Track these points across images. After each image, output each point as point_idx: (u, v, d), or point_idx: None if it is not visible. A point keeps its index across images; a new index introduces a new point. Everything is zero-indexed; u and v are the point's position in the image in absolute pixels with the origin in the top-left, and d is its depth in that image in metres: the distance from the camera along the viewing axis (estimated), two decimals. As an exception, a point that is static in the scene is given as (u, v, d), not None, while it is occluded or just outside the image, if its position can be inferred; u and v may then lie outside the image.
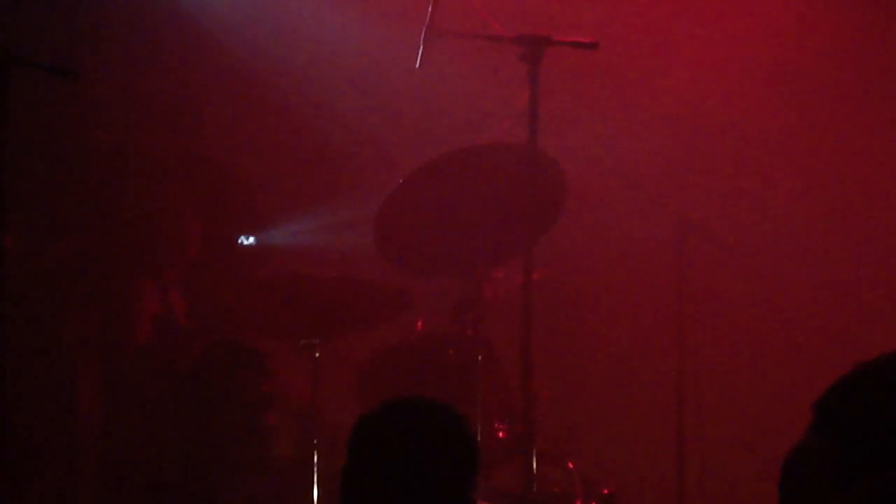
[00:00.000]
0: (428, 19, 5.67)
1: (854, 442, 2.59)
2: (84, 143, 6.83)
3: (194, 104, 7.09)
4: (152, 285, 6.66)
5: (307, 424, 6.07)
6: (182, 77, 7.09)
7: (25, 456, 6.17)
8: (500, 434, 6.13)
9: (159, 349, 6.57)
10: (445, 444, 3.49)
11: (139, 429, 6.35)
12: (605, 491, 6.10)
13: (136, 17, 6.99)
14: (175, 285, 6.71)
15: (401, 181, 6.20)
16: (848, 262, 7.75)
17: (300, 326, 6.19)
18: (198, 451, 5.86)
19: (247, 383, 5.91)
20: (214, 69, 7.23)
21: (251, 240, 7.17)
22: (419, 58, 5.65)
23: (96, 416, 6.51)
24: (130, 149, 6.89)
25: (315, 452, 5.94)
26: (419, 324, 6.56)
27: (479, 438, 5.88)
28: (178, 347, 6.54)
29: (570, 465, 6.27)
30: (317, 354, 6.10)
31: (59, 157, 6.73)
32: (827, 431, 2.62)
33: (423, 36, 5.66)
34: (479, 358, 6.17)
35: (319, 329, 6.21)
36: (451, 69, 7.05)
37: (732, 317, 7.75)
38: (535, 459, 5.65)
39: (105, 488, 6.42)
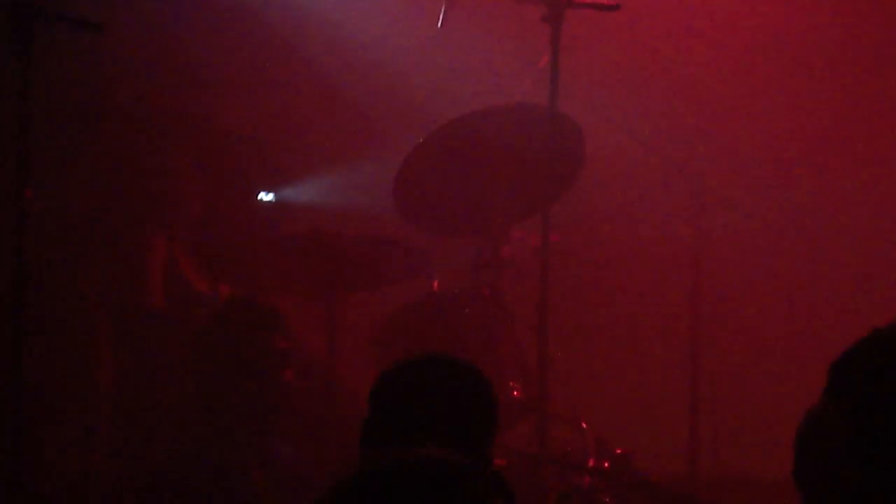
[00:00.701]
0: (451, -20, 5.68)
1: (867, 406, 2.57)
2: (104, 97, 6.85)
3: (216, 62, 7.11)
4: (160, 243, 6.68)
5: (324, 382, 6.11)
6: (205, 35, 7.11)
7: (42, 415, 6.19)
8: (515, 393, 6.17)
9: (169, 306, 6.60)
10: (465, 399, 3.53)
11: (154, 387, 6.38)
12: (619, 451, 6.13)
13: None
14: (183, 243, 6.73)
15: (421, 141, 6.22)
16: (874, 228, 7.75)
17: (318, 284, 6.22)
18: (215, 409, 5.88)
19: (263, 340, 5.92)
20: (237, 27, 7.24)
21: (270, 196, 7.19)
22: (441, 18, 5.67)
23: (112, 374, 6.54)
24: (149, 105, 6.91)
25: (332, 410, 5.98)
26: (436, 283, 6.59)
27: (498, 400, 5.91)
28: (189, 305, 6.57)
29: (584, 425, 6.30)
30: (334, 312, 6.14)
31: (79, 111, 6.75)
32: (841, 395, 2.61)
33: (445, -4, 5.68)
34: (495, 317, 6.20)
35: (337, 287, 6.24)
36: (473, 30, 7.06)
37: (748, 280, 7.77)
38: (548, 419, 5.69)
39: (122, 446, 6.44)
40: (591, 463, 6.01)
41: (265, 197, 7.19)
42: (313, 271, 6.24)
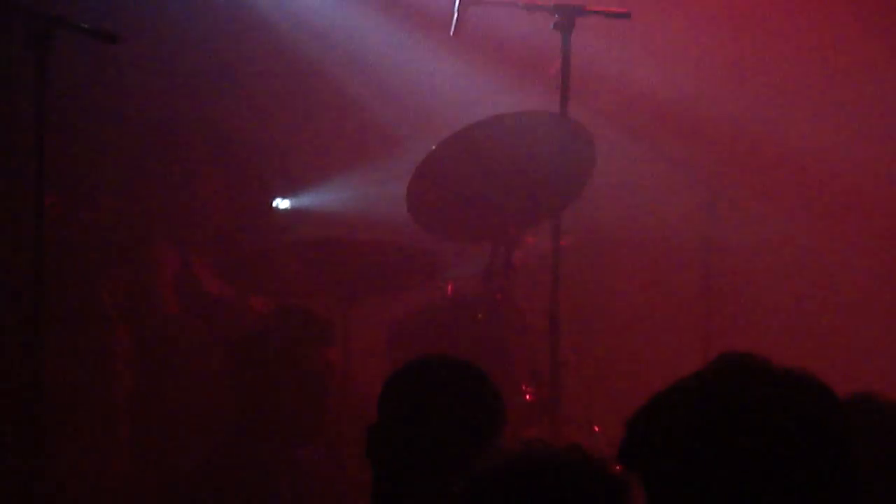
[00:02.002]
0: (463, -13, 5.71)
1: (658, 472, 2.43)
2: (121, 105, 6.89)
3: (230, 70, 7.16)
4: (176, 251, 6.71)
5: (339, 387, 6.15)
6: (220, 43, 7.15)
7: (60, 420, 6.23)
8: (528, 397, 6.21)
9: (184, 311, 6.63)
10: (470, 401, 3.54)
11: (171, 395, 6.41)
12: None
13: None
14: (200, 251, 6.76)
15: (434, 148, 6.26)
16: (886, 230, 7.76)
17: (333, 289, 6.27)
18: (249, 415, 5.87)
19: (317, 352, 5.93)
20: (254, 36, 7.29)
21: (286, 203, 7.24)
22: (453, 25, 5.70)
23: (129, 378, 6.57)
24: (165, 112, 6.95)
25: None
26: (449, 288, 6.63)
27: (504, 400, 5.94)
28: (206, 311, 6.60)
29: (596, 429, 6.34)
30: (348, 317, 6.18)
31: (95, 120, 6.80)
32: (633, 457, 2.46)
33: (457, 4, 5.71)
34: (508, 322, 6.24)
35: (351, 292, 6.29)
36: (485, 38, 7.10)
37: (759, 283, 7.79)
38: (560, 423, 5.72)
39: (140, 453, 6.48)
40: (603, 466, 6.01)
41: (280, 203, 7.24)
42: (328, 277, 6.28)
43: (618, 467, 2.56)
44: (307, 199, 7.30)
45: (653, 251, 7.78)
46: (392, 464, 3.50)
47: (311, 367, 5.91)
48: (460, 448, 3.48)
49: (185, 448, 6.20)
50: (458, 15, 5.67)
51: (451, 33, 5.71)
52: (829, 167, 7.79)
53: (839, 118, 7.75)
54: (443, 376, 3.60)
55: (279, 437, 5.83)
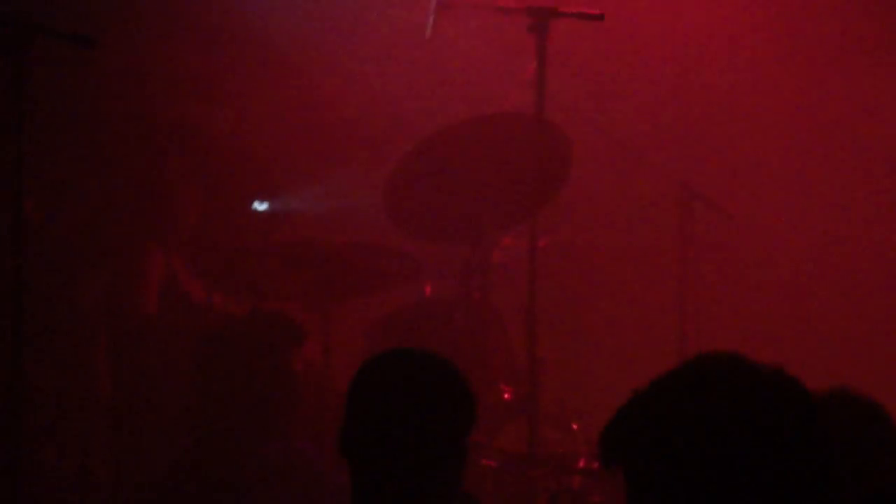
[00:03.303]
0: (438, -10, 5.74)
1: (634, 477, 2.46)
2: (99, 108, 6.91)
3: (208, 73, 7.17)
4: (155, 253, 6.73)
5: (318, 388, 6.17)
6: (196, 46, 7.17)
7: (42, 423, 6.23)
8: (506, 395, 6.24)
9: (163, 313, 6.64)
10: (439, 391, 3.51)
11: (149, 392, 6.42)
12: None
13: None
14: (179, 253, 6.78)
15: (410, 149, 6.29)
16: (858, 229, 7.80)
17: (311, 291, 6.29)
18: (218, 415, 5.88)
19: (289, 356, 5.94)
20: (228, 38, 7.31)
21: (264, 205, 7.27)
22: (429, 28, 5.73)
23: (109, 380, 6.58)
24: (143, 115, 6.97)
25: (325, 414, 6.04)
26: (427, 288, 6.66)
27: (478, 397, 5.96)
28: (186, 313, 6.62)
29: (574, 427, 6.37)
30: (327, 319, 6.20)
31: (75, 124, 6.82)
32: (610, 465, 2.50)
33: (433, 6, 5.73)
34: (486, 321, 6.28)
35: (329, 293, 6.31)
36: (461, 40, 7.13)
37: (736, 282, 7.83)
38: (538, 421, 5.76)
39: (119, 453, 6.49)
40: (581, 464, 6.06)
41: (259, 205, 7.26)
42: (307, 278, 6.30)
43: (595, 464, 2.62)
44: (285, 202, 7.32)
45: (630, 251, 7.82)
46: (364, 460, 3.49)
47: (282, 366, 5.91)
48: (431, 445, 3.47)
49: (167, 448, 6.21)
50: (434, 17, 5.70)
51: (427, 35, 5.73)
52: (808, 165, 7.84)
53: (819, 115, 7.79)
54: (414, 366, 3.57)
55: (249, 436, 5.84)
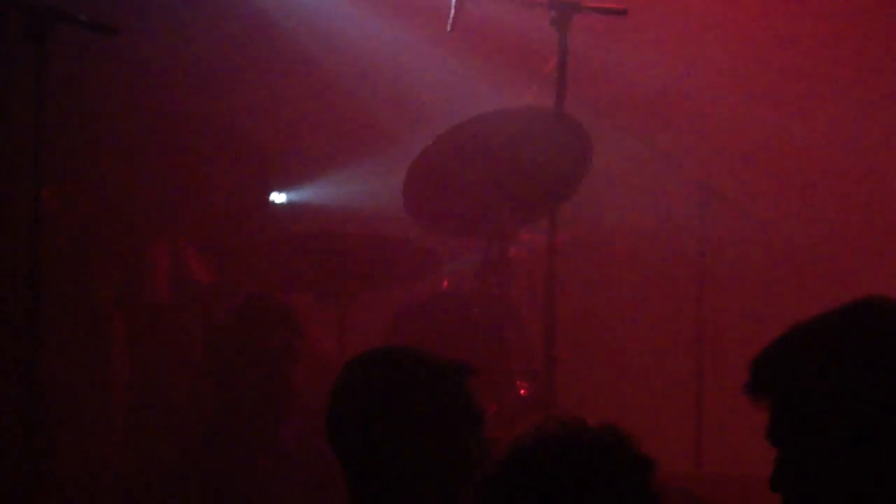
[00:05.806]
0: (460, -17, 5.72)
1: (784, 403, 2.53)
2: (118, 99, 6.91)
3: (228, 66, 7.17)
4: (172, 243, 6.73)
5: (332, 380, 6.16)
6: (215, 38, 7.16)
7: (58, 410, 6.24)
8: (522, 392, 6.23)
9: (176, 301, 6.65)
10: (421, 392, 3.39)
11: (163, 380, 6.43)
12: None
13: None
14: (191, 243, 6.78)
15: (430, 143, 6.28)
16: (880, 229, 7.78)
17: (328, 284, 6.28)
18: (227, 403, 5.91)
19: (278, 337, 5.94)
20: (248, 32, 7.30)
21: (283, 197, 7.26)
22: (451, 21, 5.71)
23: (124, 369, 6.59)
24: (160, 108, 6.97)
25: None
26: (445, 283, 6.65)
27: (495, 393, 5.98)
28: (198, 303, 6.62)
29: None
30: (343, 311, 6.20)
31: (93, 114, 6.82)
32: (760, 391, 2.55)
33: (454, 0, 5.72)
34: (504, 317, 6.26)
35: (347, 286, 6.30)
36: (482, 33, 7.11)
37: (753, 280, 7.81)
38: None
39: (136, 441, 6.49)
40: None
41: (277, 198, 7.26)
42: (323, 271, 6.30)
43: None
44: (304, 194, 7.32)
45: (648, 248, 7.80)
46: (344, 458, 3.41)
47: (276, 352, 5.92)
48: (416, 444, 3.36)
49: (181, 437, 6.22)
50: (456, 10, 5.68)
51: (449, 29, 5.72)
52: (824, 164, 7.81)
53: (835, 115, 7.77)
54: (394, 369, 3.47)
55: (253, 423, 5.85)
